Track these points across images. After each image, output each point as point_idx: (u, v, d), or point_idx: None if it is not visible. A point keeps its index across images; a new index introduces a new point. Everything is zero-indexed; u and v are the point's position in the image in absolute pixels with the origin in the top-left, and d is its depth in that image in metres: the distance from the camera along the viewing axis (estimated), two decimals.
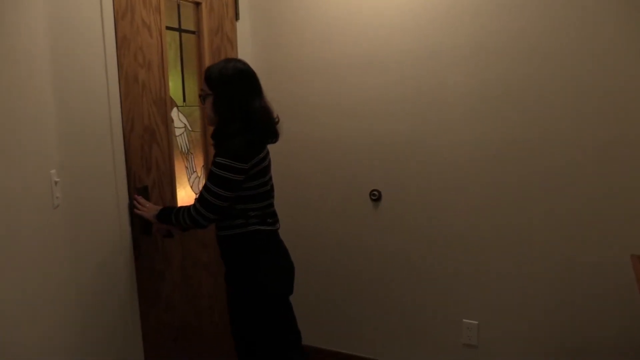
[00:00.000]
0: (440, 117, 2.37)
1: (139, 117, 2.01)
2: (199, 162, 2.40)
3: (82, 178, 1.75)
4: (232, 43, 2.55)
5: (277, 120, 1.95)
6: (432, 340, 2.56)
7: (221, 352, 2.46)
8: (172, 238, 2.10)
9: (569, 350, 2.28)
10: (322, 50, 2.57)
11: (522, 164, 2.25)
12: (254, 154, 1.84)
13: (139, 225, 2.00)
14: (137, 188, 2.00)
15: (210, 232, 2.33)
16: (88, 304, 1.77)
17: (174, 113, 2.24)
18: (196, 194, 2.34)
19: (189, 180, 2.34)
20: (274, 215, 1.98)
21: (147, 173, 2.06)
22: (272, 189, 1.97)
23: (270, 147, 1.96)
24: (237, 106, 1.85)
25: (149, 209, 1.96)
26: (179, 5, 2.26)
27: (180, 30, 2.27)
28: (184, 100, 2.31)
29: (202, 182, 2.41)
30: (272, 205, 1.97)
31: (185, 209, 1.87)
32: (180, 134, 2.29)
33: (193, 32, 2.35)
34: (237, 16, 2.59)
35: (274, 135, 1.94)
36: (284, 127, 2.01)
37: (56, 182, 1.56)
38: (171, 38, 2.22)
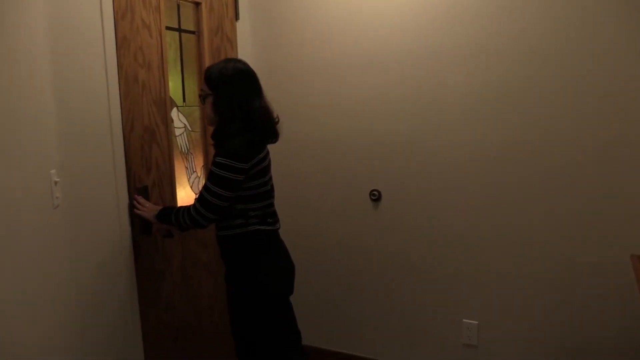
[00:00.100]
0: (440, 117, 2.37)
1: (139, 117, 2.01)
2: (198, 162, 2.40)
3: (82, 178, 1.75)
4: (232, 43, 2.55)
5: (277, 120, 1.95)
6: (432, 340, 2.56)
7: (221, 352, 2.46)
8: (172, 238, 2.10)
9: (569, 350, 2.28)
10: (322, 50, 2.57)
11: (522, 164, 2.25)
12: (254, 154, 1.84)
13: (139, 225, 2.00)
14: (137, 188, 2.00)
15: (210, 232, 2.33)
16: (88, 304, 1.77)
17: (174, 113, 2.24)
18: (196, 194, 2.34)
19: (188, 180, 2.34)
20: (274, 215, 1.98)
21: (147, 173, 2.06)
22: (272, 189, 1.97)
23: (270, 147, 1.96)
24: (237, 106, 1.85)
25: (148, 209, 1.96)
26: (178, 5, 2.26)
27: (180, 30, 2.27)
28: (184, 100, 2.31)
29: (202, 182, 2.41)
30: (272, 205, 1.97)
31: (185, 209, 1.87)
32: (180, 134, 2.29)
33: (193, 32, 2.35)
34: (237, 16, 2.59)
35: (274, 135, 1.94)
36: (284, 127, 2.01)
37: (56, 182, 1.56)
38: (171, 38, 2.22)
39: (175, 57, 2.26)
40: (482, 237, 2.37)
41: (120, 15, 1.91)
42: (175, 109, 2.25)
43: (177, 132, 2.27)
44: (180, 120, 2.29)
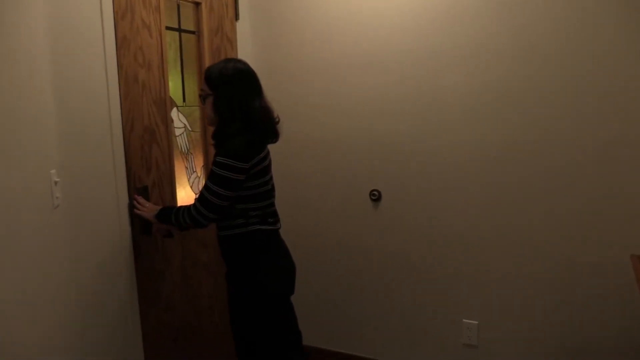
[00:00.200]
0: (440, 117, 2.37)
1: (139, 117, 2.01)
2: (198, 162, 2.40)
3: (82, 178, 1.75)
4: (232, 43, 2.55)
5: (277, 120, 1.95)
6: (432, 340, 2.56)
7: (221, 352, 2.46)
8: (172, 238, 2.10)
9: (569, 350, 2.28)
10: (322, 50, 2.57)
11: (522, 164, 2.25)
12: (254, 153, 1.84)
13: (139, 225, 2.00)
14: (137, 188, 2.00)
15: (210, 232, 2.33)
16: (88, 304, 1.77)
17: (174, 113, 2.24)
18: (196, 194, 2.34)
19: (188, 180, 2.34)
20: (274, 214, 1.98)
21: (147, 173, 2.06)
22: (272, 189, 1.97)
23: (270, 147, 1.96)
24: (237, 106, 1.85)
25: (148, 209, 1.96)
26: (178, 5, 2.26)
27: (180, 30, 2.27)
28: (184, 100, 2.31)
29: (202, 182, 2.41)
30: (273, 204, 1.97)
31: (185, 208, 1.87)
32: (180, 134, 2.29)
33: (193, 32, 2.35)
34: (237, 16, 2.59)
35: (274, 135, 1.94)
36: (284, 127, 2.01)
37: (56, 182, 1.56)
38: (171, 38, 2.22)
39: (175, 57, 2.26)
40: (482, 237, 2.37)
41: (120, 15, 1.91)
42: (175, 109, 2.25)
43: (177, 132, 2.27)
44: (180, 120, 2.29)
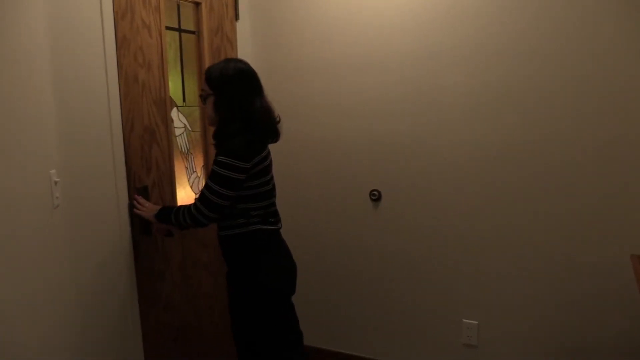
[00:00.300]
0: (441, 117, 2.37)
1: (139, 117, 2.01)
2: (198, 162, 2.40)
3: (82, 178, 1.75)
4: (232, 43, 2.55)
5: (278, 119, 1.95)
6: (432, 340, 2.56)
7: (221, 352, 2.46)
8: (173, 237, 2.11)
9: (569, 350, 2.28)
10: (322, 50, 2.57)
11: (522, 164, 2.26)
12: (255, 153, 1.84)
13: (139, 225, 2.00)
14: (137, 188, 2.00)
15: (210, 232, 2.33)
16: (88, 304, 1.77)
17: (174, 113, 2.24)
18: (196, 194, 2.34)
19: (188, 180, 2.34)
20: (275, 214, 1.98)
21: (147, 173, 2.06)
22: (273, 189, 1.97)
23: (270, 147, 1.96)
24: (238, 106, 1.85)
25: (148, 208, 1.96)
26: (178, 5, 2.26)
27: (180, 30, 2.27)
28: (184, 100, 2.31)
29: (202, 182, 2.41)
30: (273, 204, 1.97)
31: (186, 208, 1.87)
32: (180, 134, 2.29)
33: (193, 32, 2.35)
34: (237, 16, 2.59)
35: (274, 135, 1.94)
36: (284, 127, 2.01)
37: (56, 182, 1.56)
38: (171, 38, 2.22)
39: (175, 57, 2.26)
40: (482, 237, 2.37)
41: (120, 15, 1.91)
42: (175, 109, 2.25)
43: (177, 132, 2.27)
44: (180, 120, 2.29)
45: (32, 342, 1.41)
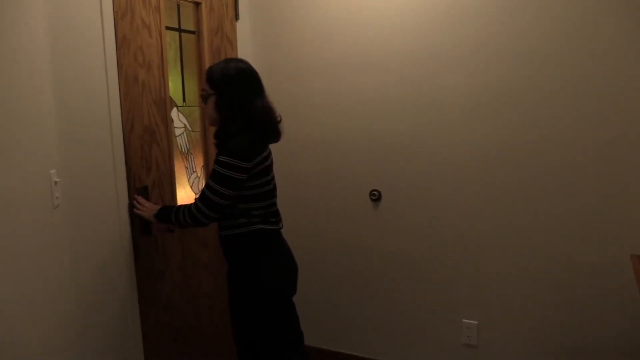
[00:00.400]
0: (441, 117, 2.37)
1: (139, 117, 2.01)
2: (198, 162, 2.40)
3: (82, 178, 1.75)
4: (232, 43, 2.55)
5: (279, 119, 1.95)
6: (432, 340, 2.56)
7: (221, 352, 2.46)
8: (173, 232, 2.11)
9: (569, 350, 2.28)
10: (322, 50, 2.57)
11: (522, 164, 2.26)
12: (256, 153, 1.84)
13: (139, 225, 2.00)
14: (137, 188, 2.00)
15: (210, 231, 2.33)
16: (88, 304, 1.77)
17: (174, 113, 2.24)
18: (196, 194, 2.34)
19: (188, 180, 2.34)
20: (276, 214, 1.98)
21: (147, 173, 2.06)
22: (274, 188, 1.97)
23: (270, 146, 1.96)
24: (239, 106, 1.84)
25: (148, 208, 1.96)
26: (178, 5, 2.26)
27: (180, 30, 2.27)
28: (184, 100, 2.31)
29: (202, 182, 2.41)
30: (275, 204, 1.97)
31: (186, 207, 1.87)
32: (180, 134, 2.29)
33: (193, 32, 2.35)
34: (237, 16, 2.59)
35: (275, 135, 1.94)
36: (284, 127, 2.01)
37: (56, 182, 1.56)
38: (171, 38, 2.22)
39: (175, 57, 2.26)
40: (482, 237, 2.37)
41: (120, 15, 1.91)
42: (175, 109, 2.25)
43: (177, 132, 2.27)
44: (180, 120, 2.29)
45: (32, 342, 1.41)
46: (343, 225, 2.67)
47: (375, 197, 2.56)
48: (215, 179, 1.80)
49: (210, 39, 2.40)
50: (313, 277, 2.74)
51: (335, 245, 2.71)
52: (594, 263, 2.18)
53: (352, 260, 2.68)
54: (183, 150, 2.31)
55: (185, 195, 2.30)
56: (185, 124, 2.32)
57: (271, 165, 1.94)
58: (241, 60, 1.93)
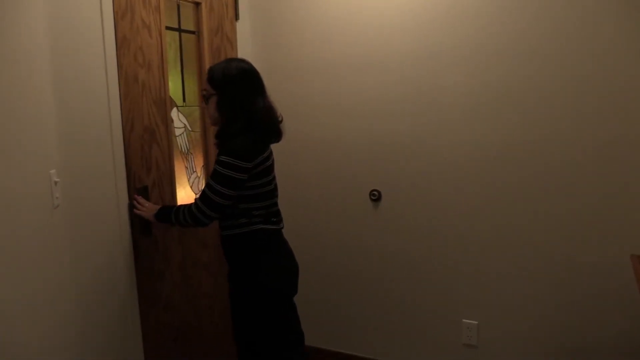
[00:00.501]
0: (440, 117, 2.37)
1: (139, 117, 2.01)
2: (198, 162, 2.40)
3: (82, 178, 1.75)
4: (232, 43, 2.55)
5: (280, 119, 1.95)
6: (432, 340, 2.56)
7: (221, 352, 2.46)
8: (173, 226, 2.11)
9: (569, 350, 2.28)
10: (322, 50, 2.57)
11: (522, 164, 2.26)
12: (257, 153, 1.84)
13: (139, 225, 2.00)
14: (137, 188, 2.00)
15: (210, 231, 2.33)
16: (88, 304, 1.77)
17: (174, 113, 2.24)
18: (196, 194, 2.34)
19: (188, 181, 2.34)
20: (277, 214, 1.98)
21: (147, 173, 2.06)
22: (275, 188, 1.97)
23: (270, 146, 1.96)
24: (240, 106, 1.84)
25: (148, 208, 1.96)
26: (178, 5, 2.26)
27: (180, 30, 2.27)
28: (184, 100, 2.31)
29: (202, 182, 2.41)
30: (276, 204, 1.97)
31: (186, 207, 1.87)
32: (180, 134, 2.29)
33: (193, 32, 2.35)
34: (237, 16, 2.59)
35: (277, 135, 1.94)
36: (284, 127, 2.01)
37: (56, 182, 1.56)
38: (171, 38, 2.22)
39: (175, 57, 2.26)
40: (482, 237, 2.37)
41: (120, 15, 1.91)
42: (175, 109, 2.25)
43: (177, 132, 2.27)
44: (180, 120, 2.29)
45: (32, 342, 1.41)
46: (343, 225, 2.67)
47: (375, 197, 2.56)
48: (216, 178, 1.80)
49: (210, 39, 2.40)
50: (313, 277, 2.74)
51: (335, 245, 2.71)
52: (594, 263, 2.18)
53: (352, 260, 2.68)
54: (183, 150, 2.31)
55: (185, 195, 2.30)
56: (185, 124, 2.32)
57: (272, 165, 1.94)
58: (243, 60, 1.93)
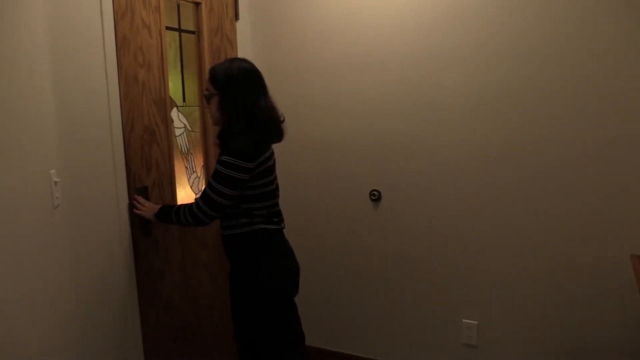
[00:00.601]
0: (440, 117, 2.37)
1: (139, 117, 2.01)
2: (198, 162, 2.40)
3: (82, 178, 1.75)
4: (232, 43, 2.55)
5: (282, 119, 1.95)
6: (432, 340, 2.56)
7: (221, 352, 2.46)
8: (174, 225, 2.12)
9: (569, 350, 2.28)
10: (322, 50, 2.57)
11: (522, 164, 2.26)
12: (259, 153, 1.84)
13: (139, 225, 2.00)
14: (137, 188, 2.00)
15: (210, 231, 2.33)
16: (88, 304, 1.77)
17: (174, 113, 2.24)
18: (196, 194, 2.34)
19: (188, 181, 2.34)
20: (279, 214, 1.98)
21: (147, 173, 2.06)
22: (277, 188, 1.97)
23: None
24: (242, 106, 1.84)
25: (148, 208, 1.96)
26: (178, 5, 2.26)
27: (180, 30, 2.27)
28: (184, 100, 2.31)
29: (202, 182, 2.41)
30: (277, 204, 1.98)
31: (187, 206, 1.87)
32: (180, 134, 2.29)
33: (193, 32, 2.35)
34: (237, 16, 2.59)
35: (278, 135, 1.95)
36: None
37: (56, 182, 1.56)
38: (171, 38, 2.22)
39: (175, 57, 2.26)
40: (482, 237, 2.37)
41: (120, 15, 1.91)
42: (175, 109, 2.25)
43: (177, 132, 2.27)
44: (180, 120, 2.29)
45: (32, 342, 1.41)
46: (343, 225, 2.67)
47: (375, 197, 2.56)
48: (217, 178, 1.80)
49: (210, 39, 2.40)
50: (313, 277, 2.74)
51: (335, 245, 2.71)
52: (594, 263, 2.18)
53: (352, 260, 2.68)
54: (183, 150, 2.31)
55: (185, 195, 2.30)
56: (185, 124, 2.32)
57: (274, 165, 1.94)
58: (244, 60, 1.93)
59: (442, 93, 2.35)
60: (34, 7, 1.50)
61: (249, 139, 1.82)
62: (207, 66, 2.26)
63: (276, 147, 2.02)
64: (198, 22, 2.35)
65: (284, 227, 2.00)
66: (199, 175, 2.40)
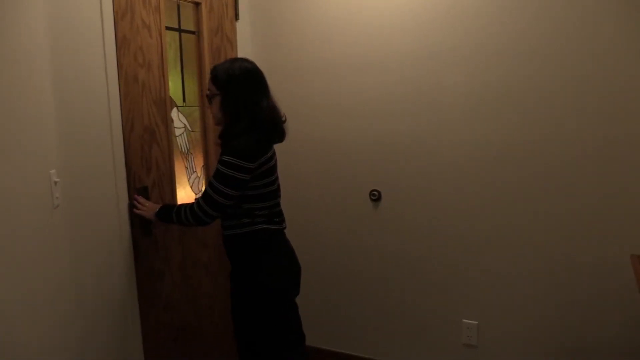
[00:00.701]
0: (441, 117, 2.37)
1: (138, 117, 2.01)
2: (198, 162, 2.40)
3: (82, 178, 1.75)
4: (232, 43, 2.55)
5: (284, 119, 1.95)
6: (432, 340, 2.56)
7: (221, 352, 2.46)
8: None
9: (569, 350, 2.28)
10: (322, 50, 2.57)
11: (522, 164, 2.26)
12: (260, 153, 1.84)
13: (139, 225, 2.00)
14: (137, 188, 2.00)
15: (210, 231, 2.33)
16: (88, 303, 1.77)
17: (174, 113, 2.24)
18: (196, 194, 2.34)
19: (188, 181, 2.34)
20: (280, 214, 1.98)
21: (147, 173, 2.06)
22: (278, 189, 1.97)
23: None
24: (244, 106, 1.84)
25: (149, 208, 1.96)
26: (178, 6, 2.26)
27: (180, 30, 2.27)
28: (184, 100, 2.31)
29: (202, 182, 2.41)
30: (278, 204, 1.97)
31: (188, 206, 1.87)
32: (180, 134, 2.29)
33: (193, 32, 2.35)
34: (237, 16, 2.59)
35: (280, 135, 1.95)
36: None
37: (56, 182, 1.56)
38: (171, 38, 2.22)
39: (175, 57, 2.26)
40: (482, 237, 2.37)
41: (120, 15, 1.91)
42: (175, 109, 2.25)
43: (177, 132, 2.27)
44: (180, 120, 2.29)
45: (32, 342, 1.41)
46: (343, 225, 2.67)
47: (375, 197, 2.56)
48: (218, 178, 1.80)
49: (210, 39, 2.40)
50: (313, 277, 2.74)
51: (335, 245, 2.71)
52: (594, 263, 2.18)
53: (352, 260, 2.68)
54: (183, 150, 2.31)
55: (185, 195, 2.30)
56: (185, 124, 2.32)
57: (275, 165, 1.94)
58: (246, 60, 1.93)
59: (442, 93, 2.35)
60: (34, 7, 1.50)
61: (250, 139, 1.82)
62: (207, 66, 2.27)
63: (276, 147, 2.02)
64: (198, 22, 2.35)
65: (285, 228, 2.00)
66: (199, 175, 2.40)
